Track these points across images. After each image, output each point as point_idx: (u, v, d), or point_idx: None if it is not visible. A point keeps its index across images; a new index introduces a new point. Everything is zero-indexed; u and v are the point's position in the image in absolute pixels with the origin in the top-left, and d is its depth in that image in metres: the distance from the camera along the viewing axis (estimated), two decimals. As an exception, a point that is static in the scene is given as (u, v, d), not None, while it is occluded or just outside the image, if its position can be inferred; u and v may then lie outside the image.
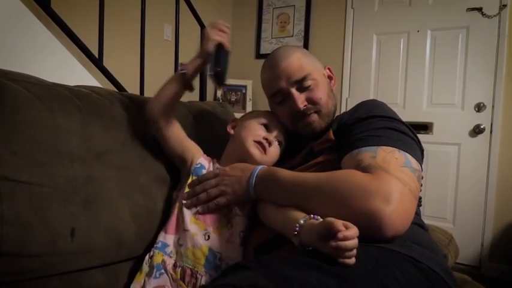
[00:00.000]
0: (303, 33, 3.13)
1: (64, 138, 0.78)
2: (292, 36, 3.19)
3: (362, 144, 0.78)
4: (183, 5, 2.06)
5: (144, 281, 0.82)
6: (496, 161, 2.46)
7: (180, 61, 2.05)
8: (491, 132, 2.47)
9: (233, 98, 3.19)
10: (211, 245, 0.84)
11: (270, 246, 0.81)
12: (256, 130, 0.95)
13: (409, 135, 0.82)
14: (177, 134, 0.96)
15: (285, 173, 0.82)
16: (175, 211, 0.89)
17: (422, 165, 0.81)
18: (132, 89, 1.71)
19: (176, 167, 1.00)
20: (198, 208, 0.87)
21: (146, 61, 1.87)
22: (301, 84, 0.94)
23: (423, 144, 0.86)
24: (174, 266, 0.83)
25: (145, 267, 0.84)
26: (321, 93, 0.95)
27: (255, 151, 0.93)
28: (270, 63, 0.98)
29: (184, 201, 0.89)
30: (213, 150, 1.01)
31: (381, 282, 0.58)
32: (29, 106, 0.74)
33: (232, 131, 1.01)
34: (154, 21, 2.44)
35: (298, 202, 0.77)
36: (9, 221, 0.65)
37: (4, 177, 0.67)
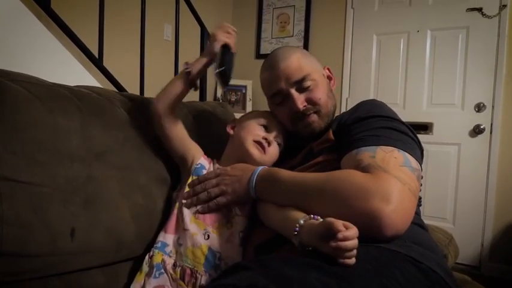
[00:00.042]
0: (303, 33, 3.13)
1: (64, 138, 0.78)
2: (292, 36, 3.19)
3: (361, 144, 0.78)
4: (183, 5, 2.06)
5: (144, 281, 0.82)
6: (496, 161, 2.46)
7: (180, 61, 2.05)
8: (491, 132, 2.47)
9: (233, 98, 3.19)
10: (210, 245, 0.84)
11: (270, 246, 0.81)
12: (255, 130, 0.96)
13: (409, 135, 0.82)
14: (179, 133, 0.97)
15: (285, 173, 0.82)
16: (175, 211, 0.89)
17: (422, 165, 0.81)
18: (132, 89, 1.72)
19: (176, 167, 1.00)
20: (198, 207, 0.87)
21: (146, 61, 1.88)
22: (300, 85, 0.94)
23: (423, 144, 0.86)
24: (174, 265, 0.83)
25: (145, 267, 0.84)
26: (320, 94, 0.95)
27: (255, 151, 0.93)
28: (269, 63, 0.98)
29: (184, 201, 0.89)
30: (213, 151, 1.01)
31: (381, 282, 0.58)
32: (29, 106, 0.74)
33: (231, 131, 1.01)
34: (154, 21, 2.44)
35: (298, 202, 0.77)
36: (9, 221, 0.65)
37: (4, 177, 0.67)
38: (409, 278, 0.62)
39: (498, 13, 2.44)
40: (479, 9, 2.48)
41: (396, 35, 2.78)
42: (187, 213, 0.87)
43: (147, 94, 1.55)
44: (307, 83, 0.93)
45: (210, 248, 0.84)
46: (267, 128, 0.97)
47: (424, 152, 0.87)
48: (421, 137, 0.90)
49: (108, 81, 1.72)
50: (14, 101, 0.72)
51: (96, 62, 1.61)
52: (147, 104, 1.05)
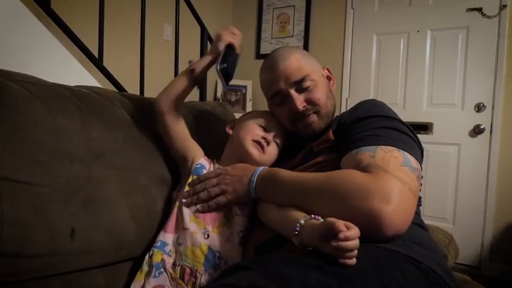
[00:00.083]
0: (303, 34, 3.13)
1: (64, 138, 0.78)
2: (292, 36, 3.19)
3: (361, 143, 0.78)
4: (183, 5, 2.06)
5: (144, 281, 0.82)
6: (496, 161, 2.46)
7: (180, 61, 2.05)
8: (491, 133, 2.47)
9: (233, 98, 3.19)
10: (210, 244, 0.84)
11: (269, 246, 0.81)
12: (254, 130, 0.96)
13: (409, 135, 0.82)
14: (181, 131, 0.97)
15: (285, 173, 0.82)
16: (175, 210, 0.89)
17: (422, 165, 0.81)
18: (132, 89, 1.72)
19: (176, 167, 1.00)
20: (198, 207, 0.88)
21: (146, 61, 1.88)
22: (300, 85, 0.94)
23: (423, 145, 0.86)
24: (174, 264, 0.83)
25: (145, 267, 0.84)
26: (319, 94, 0.95)
27: (254, 150, 0.94)
28: (269, 64, 0.98)
29: (184, 200, 0.89)
30: (213, 151, 1.01)
31: (381, 282, 0.58)
32: (29, 106, 0.74)
33: (230, 131, 1.01)
34: (154, 21, 2.44)
35: (298, 202, 0.77)
36: (9, 221, 0.65)
37: (4, 177, 0.67)
38: (409, 278, 0.62)
39: (498, 13, 2.44)
40: (479, 9, 2.48)
41: (396, 35, 2.78)
42: (187, 212, 0.87)
43: (147, 94, 1.55)
44: (307, 84, 0.93)
45: (209, 248, 0.84)
46: (266, 128, 0.97)
47: (424, 152, 0.87)
48: (421, 137, 0.90)
49: (108, 81, 1.72)
50: (14, 101, 0.72)
51: (96, 62, 1.61)
52: (147, 104, 1.05)
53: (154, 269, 0.82)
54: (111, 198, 0.83)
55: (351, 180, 0.71)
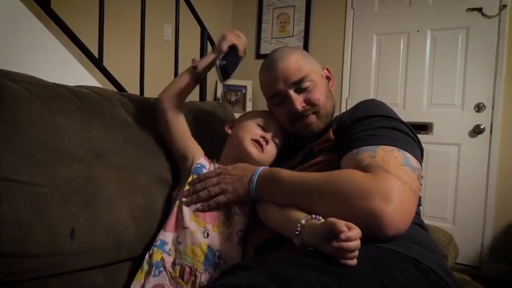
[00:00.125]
0: (303, 34, 3.13)
1: (64, 138, 0.78)
2: (292, 36, 3.19)
3: (361, 143, 0.78)
4: (183, 5, 2.06)
5: (145, 280, 0.82)
6: (496, 161, 2.46)
7: (180, 61, 2.05)
8: (491, 133, 2.47)
9: (233, 98, 3.19)
10: (210, 243, 0.84)
11: (269, 246, 0.81)
12: (253, 129, 0.97)
13: (409, 135, 0.82)
14: (182, 130, 0.98)
15: (285, 173, 0.82)
16: (175, 209, 0.89)
17: (422, 165, 0.81)
18: (132, 89, 1.72)
19: (176, 167, 1.00)
20: (198, 206, 0.88)
21: (146, 61, 1.88)
22: (299, 86, 0.94)
23: (423, 145, 0.86)
24: (173, 263, 0.83)
25: (145, 266, 0.84)
26: (319, 94, 0.95)
27: (253, 149, 0.94)
28: (268, 64, 0.98)
29: (184, 199, 0.89)
30: (213, 151, 1.01)
31: (381, 282, 0.58)
32: (29, 106, 0.74)
33: (229, 131, 1.02)
34: (154, 21, 2.44)
35: (298, 202, 0.77)
36: (9, 221, 0.65)
37: (4, 177, 0.67)
38: (409, 278, 0.62)
39: (498, 13, 2.44)
40: (479, 9, 2.48)
41: (396, 35, 2.78)
42: (186, 211, 0.87)
43: (147, 94, 1.55)
44: (306, 84, 0.94)
45: (209, 247, 0.84)
46: (264, 128, 0.98)
47: (424, 152, 0.87)
48: (421, 137, 0.90)
49: (108, 81, 1.72)
50: (14, 101, 0.72)
51: (96, 62, 1.61)
52: (147, 104, 1.05)
53: (154, 268, 0.82)
54: (111, 198, 0.83)
55: (352, 180, 0.71)
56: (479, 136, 2.50)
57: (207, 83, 2.29)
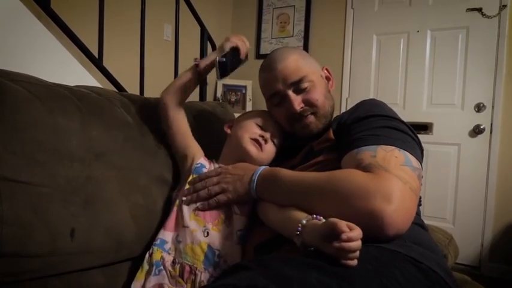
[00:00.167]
0: (303, 34, 3.13)
1: (64, 138, 0.78)
2: (292, 36, 3.19)
3: (362, 143, 0.78)
4: (183, 5, 2.06)
5: (145, 279, 0.82)
6: (496, 161, 2.46)
7: (180, 61, 2.05)
8: (491, 133, 2.47)
9: (233, 98, 3.19)
10: (210, 242, 0.84)
11: (269, 246, 0.81)
12: (252, 128, 0.97)
13: (409, 134, 0.82)
14: (183, 129, 0.99)
15: (286, 172, 0.82)
16: (175, 208, 0.89)
17: (422, 165, 0.81)
18: (132, 89, 1.71)
19: (176, 167, 1.00)
20: (198, 205, 0.88)
21: (146, 61, 1.87)
22: (297, 86, 0.94)
23: (423, 145, 0.86)
24: (173, 262, 0.83)
25: (145, 265, 0.84)
26: (317, 95, 0.95)
27: (252, 148, 0.94)
28: (267, 64, 0.98)
29: (184, 198, 0.89)
30: (213, 150, 1.01)
31: (381, 282, 0.58)
32: (29, 106, 0.74)
33: (229, 131, 1.03)
34: (154, 21, 2.44)
35: (298, 202, 0.77)
36: (9, 221, 0.65)
37: (4, 177, 0.67)
38: (409, 278, 0.62)
39: (498, 13, 2.44)
40: (479, 9, 2.48)
41: (396, 35, 2.78)
42: (186, 210, 0.87)
43: (147, 94, 1.55)
44: (305, 84, 0.94)
45: (209, 246, 0.84)
46: (263, 127, 0.98)
47: (424, 152, 0.87)
48: (421, 137, 0.90)
49: (108, 81, 1.72)
50: (14, 101, 0.72)
51: (96, 62, 1.61)
52: (147, 104, 1.05)
53: (154, 267, 0.82)
54: (111, 198, 0.83)
55: (352, 179, 0.71)
56: (479, 136, 2.50)
57: (207, 83, 2.29)
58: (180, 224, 0.87)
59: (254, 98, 3.15)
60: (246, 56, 1.01)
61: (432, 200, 2.54)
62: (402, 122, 0.85)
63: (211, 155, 1.00)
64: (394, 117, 0.85)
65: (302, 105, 0.94)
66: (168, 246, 0.85)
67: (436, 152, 2.59)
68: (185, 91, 1.00)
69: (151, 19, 2.11)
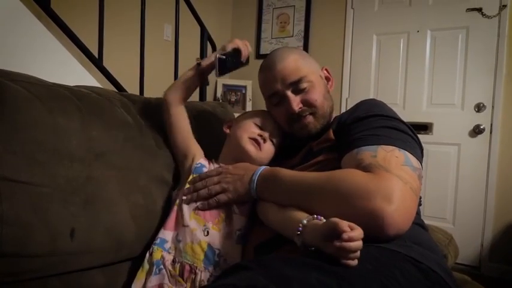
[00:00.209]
0: (303, 34, 3.13)
1: (64, 138, 0.78)
2: (292, 36, 3.19)
3: (362, 143, 0.78)
4: (183, 5, 2.06)
5: (146, 278, 0.82)
6: (496, 161, 2.46)
7: (180, 61, 2.05)
8: (491, 133, 2.47)
9: (233, 98, 3.19)
10: (210, 241, 0.84)
11: (269, 246, 0.81)
12: (251, 128, 0.98)
13: (409, 134, 0.82)
14: (185, 128, 1.00)
15: (286, 172, 0.82)
16: (175, 208, 0.89)
17: (422, 165, 0.81)
18: (132, 89, 1.72)
19: (176, 168, 1.00)
20: (198, 204, 0.88)
21: (146, 61, 1.88)
22: (296, 86, 0.94)
23: (423, 145, 0.86)
24: (173, 261, 0.84)
25: (146, 265, 0.84)
26: (316, 95, 0.95)
27: (250, 147, 0.95)
28: (267, 64, 0.99)
29: (184, 197, 0.89)
30: (213, 150, 1.01)
31: (381, 282, 0.58)
32: (29, 106, 0.74)
33: (228, 131, 1.03)
34: (154, 21, 2.44)
35: (299, 202, 0.77)
36: (9, 221, 0.65)
37: (4, 177, 0.67)
38: (409, 278, 0.62)
39: (498, 13, 2.44)
40: (479, 9, 2.48)
41: (396, 35, 2.78)
42: (186, 209, 0.87)
43: (147, 94, 1.55)
44: (304, 85, 0.94)
45: (209, 245, 0.84)
46: (262, 127, 0.99)
47: (424, 152, 0.87)
48: (421, 137, 0.90)
49: (108, 81, 1.72)
50: (14, 101, 0.72)
51: (96, 62, 1.61)
52: (147, 104, 1.05)
53: (154, 267, 0.82)
54: (111, 198, 0.83)
55: (352, 179, 0.71)
56: (479, 136, 2.50)
57: (208, 82, 2.29)
58: (180, 223, 0.87)
59: (254, 98, 3.15)
60: (247, 61, 1.03)
61: (432, 200, 2.54)
62: (402, 122, 0.85)
63: (211, 155, 1.00)
64: (394, 117, 0.85)
65: (301, 105, 0.94)
66: (168, 245, 0.85)
67: (436, 152, 2.59)
68: (187, 89, 1.02)
69: (151, 19, 2.11)
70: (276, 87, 0.95)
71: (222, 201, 0.87)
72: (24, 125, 0.72)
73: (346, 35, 2.97)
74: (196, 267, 0.82)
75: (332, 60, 2.95)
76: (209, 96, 2.92)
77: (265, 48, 3.29)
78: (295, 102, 0.94)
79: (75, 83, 0.94)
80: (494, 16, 2.45)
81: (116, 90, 1.49)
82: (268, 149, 0.97)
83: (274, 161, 0.99)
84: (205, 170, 0.94)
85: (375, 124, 0.82)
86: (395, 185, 0.68)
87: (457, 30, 2.57)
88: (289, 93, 0.94)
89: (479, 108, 2.50)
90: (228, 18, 3.44)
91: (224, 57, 0.96)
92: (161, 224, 0.90)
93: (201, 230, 0.85)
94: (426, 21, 2.66)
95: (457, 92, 2.57)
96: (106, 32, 1.65)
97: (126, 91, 1.67)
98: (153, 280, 0.81)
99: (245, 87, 3.17)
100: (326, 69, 1.05)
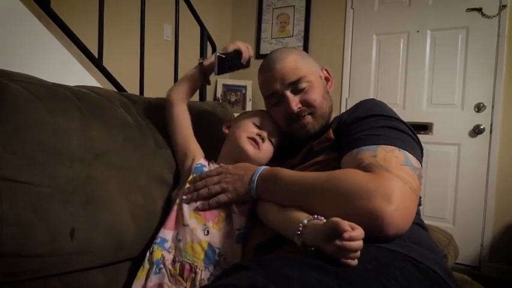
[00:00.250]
0: (302, 34, 3.13)
1: (64, 138, 0.78)
2: (292, 36, 3.19)
3: (362, 143, 0.78)
4: (183, 5, 2.06)
5: (146, 278, 0.82)
6: (495, 161, 2.46)
7: (180, 61, 2.05)
8: (491, 133, 2.47)
9: (233, 98, 3.19)
10: (210, 240, 0.84)
11: (269, 246, 0.81)
12: (249, 128, 0.98)
13: (409, 134, 0.82)
14: (186, 127, 1.00)
15: (286, 172, 0.82)
16: (175, 207, 0.89)
17: (422, 165, 0.81)
18: (132, 89, 1.72)
19: (176, 168, 1.00)
20: (198, 204, 0.88)
21: (146, 61, 1.87)
22: (295, 86, 0.94)
23: (423, 144, 0.86)
24: (173, 261, 0.84)
25: (146, 264, 0.84)
26: (315, 95, 0.95)
27: (249, 147, 0.95)
28: (266, 64, 0.99)
29: (184, 197, 0.89)
30: (213, 150, 1.01)
31: (381, 282, 0.58)
32: (29, 106, 0.74)
33: (227, 131, 1.03)
34: (154, 21, 2.44)
35: (299, 201, 0.77)
36: (9, 221, 0.65)
37: (4, 177, 0.67)
38: (409, 278, 0.62)
39: (498, 13, 2.44)
40: (479, 10, 2.48)
41: (396, 35, 2.78)
42: (186, 208, 0.87)
43: (147, 94, 1.55)
44: (303, 85, 0.94)
45: (209, 244, 0.84)
46: (260, 127, 0.99)
47: (424, 152, 0.87)
48: (421, 137, 0.90)
49: (108, 81, 1.72)
50: (14, 101, 0.72)
51: (96, 62, 1.62)
52: (147, 104, 1.05)
53: (155, 266, 0.82)
54: (111, 198, 0.83)
55: (352, 179, 0.71)
56: (479, 136, 2.50)
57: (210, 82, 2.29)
58: (180, 223, 0.87)
59: (254, 98, 3.15)
60: (247, 63, 1.04)
61: (432, 200, 2.54)
62: (402, 121, 0.85)
63: (211, 155, 1.00)
64: (394, 117, 0.85)
65: (299, 105, 0.94)
66: (168, 244, 0.85)
67: (436, 152, 2.59)
68: (190, 88, 1.03)
69: (151, 19, 2.11)
70: (275, 87, 0.95)
71: (222, 202, 0.87)
72: (24, 125, 0.72)
73: (346, 35, 2.97)
74: (197, 267, 0.82)
75: (332, 60, 2.95)
76: (209, 96, 2.92)
77: (265, 48, 3.29)
78: (294, 102, 0.94)
79: (75, 83, 0.94)
80: (494, 16, 2.45)
81: (116, 90, 1.49)
82: (267, 148, 0.97)
83: (274, 161, 0.99)
84: (205, 170, 0.94)
85: (374, 124, 0.82)
86: (395, 184, 0.68)
87: (457, 30, 2.57)
88: (288, 93, 0.94)
89: (479, 108, 2.50)
90: (228, 18, 3.44)
91: (224, 56, 0.97)
92: (161, 224, 0.90)
93: (201, 229, 0.85)
94: (426, 21, 2.66)
95: (457, 92, 2.57)
96: (106, 32, 1.65)
97: (126, 91, 1.67)
98: (153, 279, 0.81)
99: (245, 87, 3.17)
100: (326, 70, 1.05)
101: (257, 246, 0.84)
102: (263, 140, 0.96)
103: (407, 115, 2.57)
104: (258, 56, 3.30)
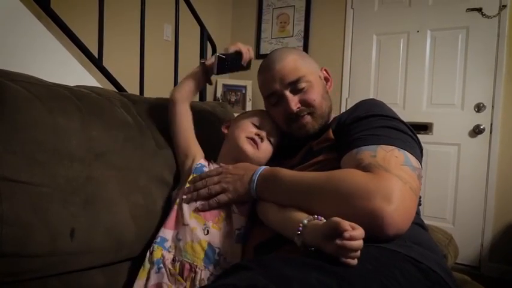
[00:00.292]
0: (302, 34, 3.13)
1: (64, 138, 0.78)
2: (292, 36, 3.19)
3: (361, 143, 0.78)
4: (183, 5, 2.06)
5: (147, 277, 0.82)
6: (495, 161, 2.46)
7: (180, 61, 2.05)
8: (491, 133, 2.47)
9: (233, 98, 3.19)
10: (210, 240, 0.84)
11: (269, 246, 0.81)
12: (248, 127, 0.98)
13: (408, 134, 0.82)
14: (187, 127, 1.00)
15: (286, 172, 0.82)
16: (175, 207, 0.89)
17: (422, 165, 0.81)
18: (132, 89, 1.72)
19: (176, 168, 1.00)
20: (198, 205, 0.88)
21: (146, 61, 1.87)
22: (295, 86, 0.94)
23: (423, 145, 0.86)
24: (173, 260, 0.84)
25: (146, 264, 0.84)
26: (314, 95, 0.95)
27: (248, 147, 0.95)
28: (266, 64, 0.99)
29: (184, 197, 0.89)
30: (213, 150, 1.01)
31: (381, 282, 0.58)
32: (29, 106, 0.74)
33: (226, 131, 1.04)
34: (154, 21, 2.44)
35: (298, 202, 0.77)
36: (9, 221, 0.65)
37: (4, 177, 0.67)
38: (409, 278, 0.62)
39: (498, 13, 2.44)
40: (479, 10, 2.48)
41: (396, 35, 2.78)
42: (186, 208, 0.88)
43: (147, 94, 1.55)
44: (302, 85, 0.94)
45: (209, 244, 0.84)
46: (259, 126, 0.99)
47: (424, 152, 0.87)
48: (421, 137, 0.90)
49: (108, 81, 1.72)
50: (14, 101, 0.72)
51: (96, 62, 1.62)
52: (147, 104, 1.06)
53: (155, 266, 0.82)
54: (111, 198, 0.83)
55: (352, 179, 0.71)
56: (479, 136, 2.50)
57: (206, 85, 2.29)
58: (180, 222, 0.87)
59: (254, 98, 3.15)
60: (248, 65, 1.05)
61: (432, 200, 2.54)
62: (402, 121, 0.85)
63: (211, 155, 1.00)
64: (394, 117, 0.85)
65: (299, 105, 0.94)
66: (168, 244, 0.85)
67: (436, 152, 2.59)
68: (193, 87, 1.04)
69: (151, 19, 2.11)
70: (274, 87, 0.95)
71: (222, 202, 0.87)
72: (24, 125, 0.72)
73: (346, 35, 2.97)
74: (196, 266, 0.82)
75: (332, 60, 2.95)
76: (209, 96, 2.92)
77: (265, 48, 3.29)
78: (294, 102, 0.94)
79: (75, 83, 0.94)
80: (494, 16, 2.45)
81: (116, 90, 1.49)
82: (266, 148, 0.98)
83: (273, 161, 0.99)
84: (205, 170, 0.94)
85: (374, 124, 0.82)
86: (395, 184, 0.68)
87: (457, 30, 2.57)
88: (287, 93, 0.94)
89: (479, 108, 2.50)
90: (228, 18, 3.44)
91: (224, 56, 0.98)
92: (161, 224, 0.90)
93: (201, 229, 0.85)
94: (426, 21, 2.66)
95: (457, 92, 2.57)
96: (106, 32, 1.65)
97: (126, 91, 1.67)
98: (153, 279, 0.81)
99: (245, 87, 3.17)
100: (325, 70, 1.05)
101: (257, 246, 0.84)
102: (262, 139, 0.96)
103: (407, 115, 2.57)
104: (258, 56, 3.29)
